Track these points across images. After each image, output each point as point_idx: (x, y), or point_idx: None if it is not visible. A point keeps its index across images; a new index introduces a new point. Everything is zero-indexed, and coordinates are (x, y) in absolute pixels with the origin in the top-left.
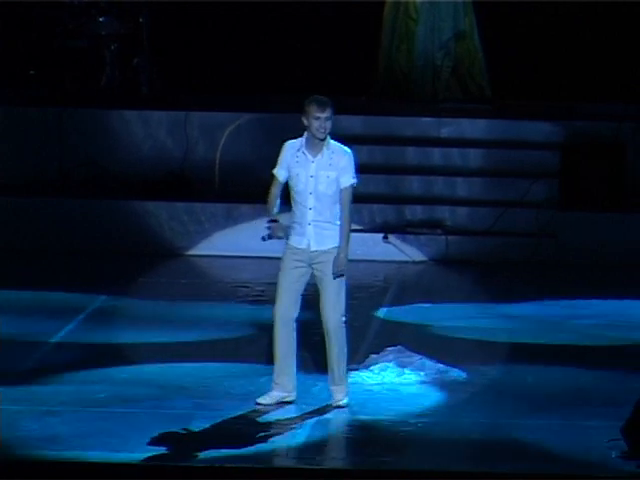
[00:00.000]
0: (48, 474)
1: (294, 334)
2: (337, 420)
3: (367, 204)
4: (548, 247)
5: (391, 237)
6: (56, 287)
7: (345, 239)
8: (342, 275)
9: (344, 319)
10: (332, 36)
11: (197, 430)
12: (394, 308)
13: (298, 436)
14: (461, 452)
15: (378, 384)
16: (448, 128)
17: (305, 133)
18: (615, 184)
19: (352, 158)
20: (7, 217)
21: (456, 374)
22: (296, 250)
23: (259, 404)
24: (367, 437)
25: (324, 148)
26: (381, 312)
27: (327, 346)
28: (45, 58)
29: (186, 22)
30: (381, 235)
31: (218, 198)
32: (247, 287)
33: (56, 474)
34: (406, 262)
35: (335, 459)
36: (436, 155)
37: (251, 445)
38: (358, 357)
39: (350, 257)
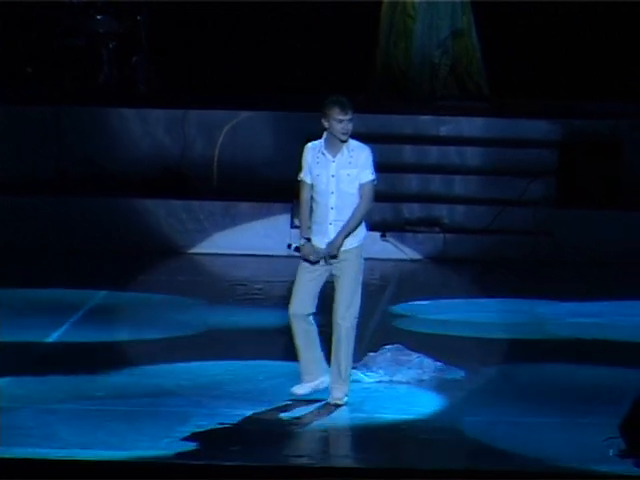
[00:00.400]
0: (45, 472)
1: (312, 327)
2: (334, 418)
3: None
4: (545, 245)
5: (389, 235)
6: (54, 285)
7: (346, 230)
8: (334, 257)
9: (356, 320)
10: (330, 34)
11: (195, 428)
12: (392, 306)
13: (295, 434)
14: (459, 450)
15: (376, 382)
16: (446, 126)
17: (325, 133)
18: (612, 182)
19: (371, 154)
20: (5, 216)
21: (454, 372)
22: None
23: (294, 394)
24: (364, 435)
25: (344, 147)
26: (379, 310)
27: (335, 344)
28: (42, 56)
29: (184, 20)
30: (379, 233)
31: (216, 196)
32: (245, 285)
33: (53, 472)
34: (404, 260)
35: (332, 457)
36: (434, 153)
37: (248, 443)
38: (356, 355)
39: None
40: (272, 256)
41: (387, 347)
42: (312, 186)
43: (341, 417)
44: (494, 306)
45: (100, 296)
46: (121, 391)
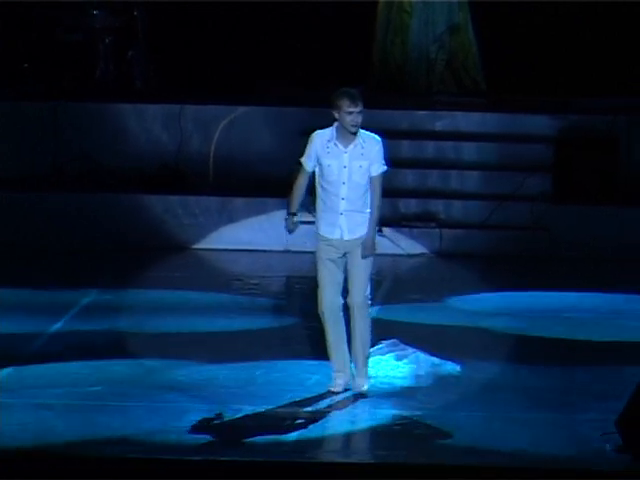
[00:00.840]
0: (42, 468)
1: (342, 322)
2: (331, 414)
3: None
4: (542, 240)
5: (385, 230)
6: (51, 281)
7: (374, 225)
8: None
9: (370, 300)
10: (328, 32)
11: (193, 424)
12: (388, 301)
13: (292, 430)
14: (455, 446)
15: (372, 377)
16: (443, 121)
17: (335, 123)
18: (608, 178)
19: (382, 146)
20: (2, 212)
21: (450, 367)
22: (330, 241)
23: (332, 392)
24: (359, 431)
25: (356, 138)
26: (375, 305)
27: (353, 328)
28: (39, 52)
29: (181, 16)
30: None
31: (212, 191)
32: (241, 280)
33: (50, 468)
34: (400, 255)
35: (329, 452)
36: (430, 148)
37: (247, 438)
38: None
39: None
40: (268, 251)
41: (383, 342)
42: (313, 174)
43: (335, 413)
44: (489, 301)
45: (96, 291)
46: (118, 387)
